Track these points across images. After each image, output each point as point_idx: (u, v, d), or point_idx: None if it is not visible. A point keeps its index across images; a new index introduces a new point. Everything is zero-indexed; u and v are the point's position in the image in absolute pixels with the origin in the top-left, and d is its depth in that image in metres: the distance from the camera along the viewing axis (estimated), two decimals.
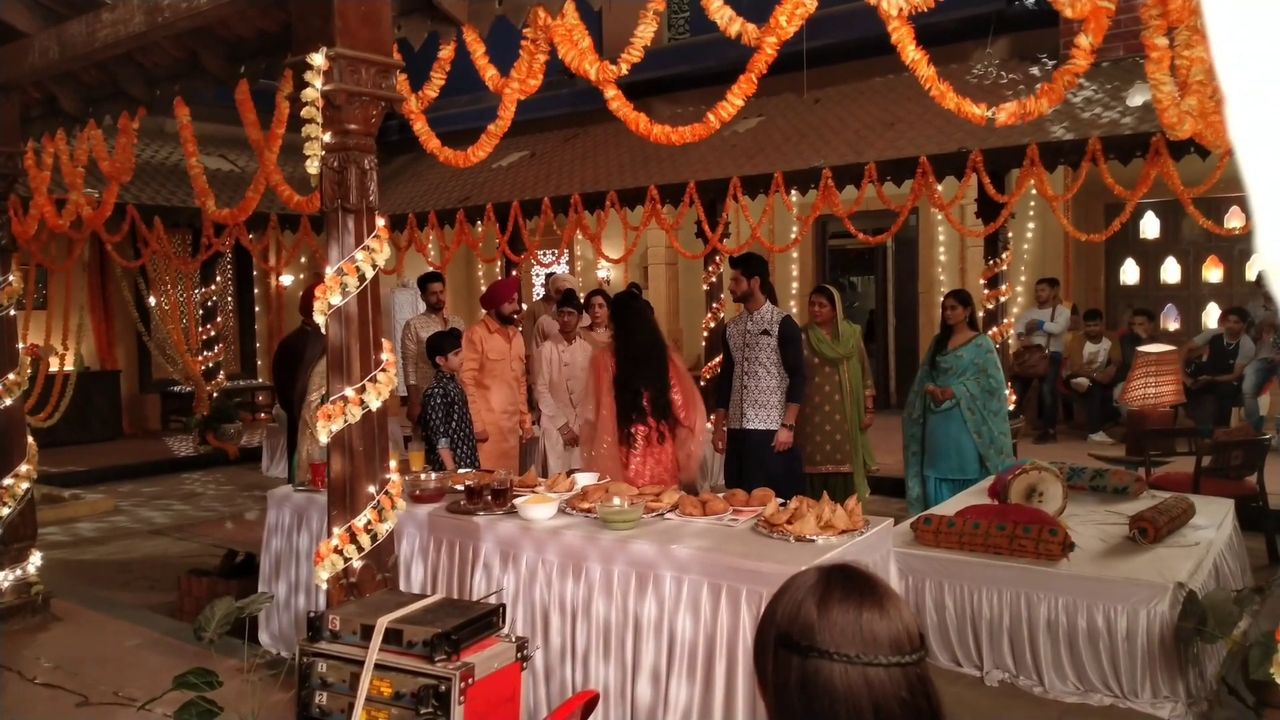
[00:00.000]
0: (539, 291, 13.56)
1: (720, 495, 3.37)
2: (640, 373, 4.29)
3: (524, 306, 10.10)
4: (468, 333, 5.44)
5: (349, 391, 2.75)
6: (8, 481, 4.33)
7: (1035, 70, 8.44)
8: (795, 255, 11.22)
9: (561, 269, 13.20)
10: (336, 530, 2.78)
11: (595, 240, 9.09)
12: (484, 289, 13.96)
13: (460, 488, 3.68)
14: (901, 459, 6.26)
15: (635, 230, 8.77)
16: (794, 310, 11.10)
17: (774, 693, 0.98)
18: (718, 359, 8.64)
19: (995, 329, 7.58)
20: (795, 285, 11.37)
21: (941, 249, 10.70)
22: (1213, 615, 3.02)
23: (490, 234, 10.09)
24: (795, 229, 10.48)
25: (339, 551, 2.75)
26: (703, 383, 8.75)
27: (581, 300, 6.36)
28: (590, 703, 1.87)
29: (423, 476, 3.80)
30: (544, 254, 13.59)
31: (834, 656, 0.94)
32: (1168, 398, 6.25)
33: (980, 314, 7.30)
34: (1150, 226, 9.78)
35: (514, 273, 9.89)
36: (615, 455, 4.32)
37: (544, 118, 11.65)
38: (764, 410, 4.83)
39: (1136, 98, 7.16)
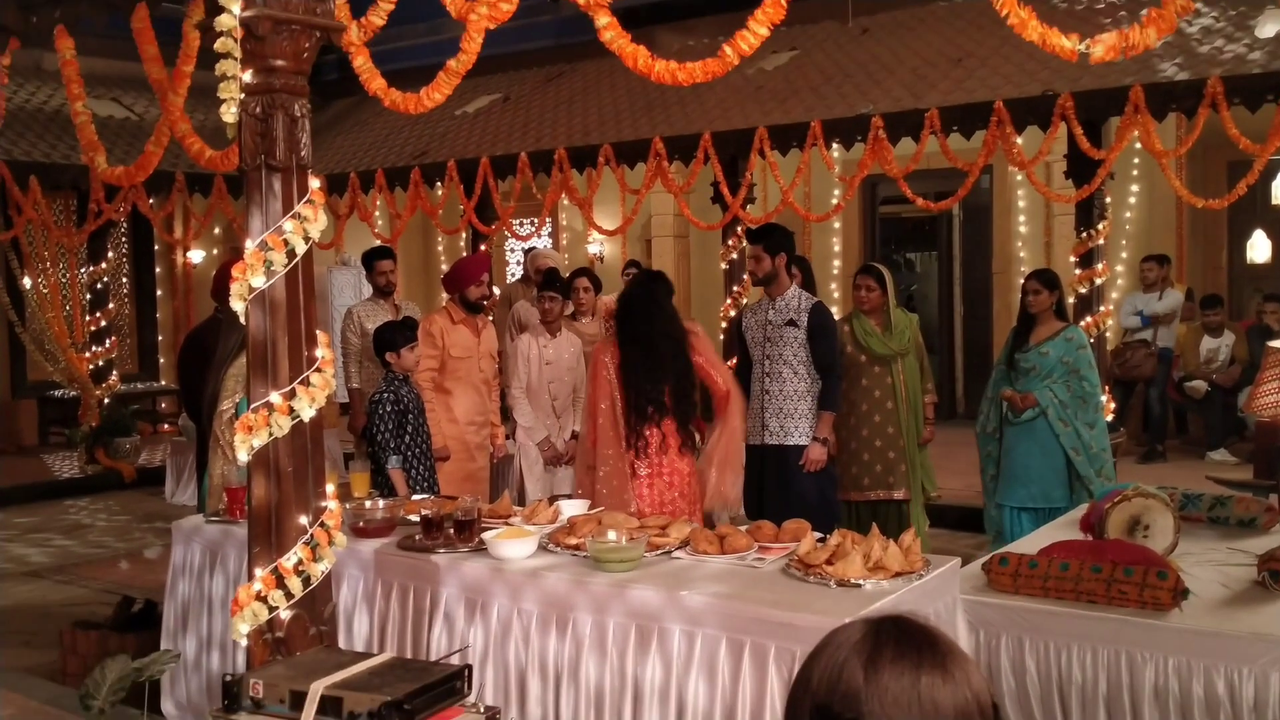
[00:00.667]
0: (514, 272, 13.62)
1: (742, 528, 3.38)
2: (656, 360, 4.33)
3: (496, 291, 10.18)
4: (425, 323, 5.46)
5: (275, 397, 2.76)
6: None
7: None
8: (837, 226, 11.25)
9: (543, 243, 13.21)
10: (259, 572, 2.79)
11: (585, 207, 9.11)
12: (445, 268, 14.01)
13: (415, 518, 3.69)
14: (970, 482, 6.27)
15: (635, 194, 8.79)
16: (835, 297, 11.14)
17: None
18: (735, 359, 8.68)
19: (1089, 319, 7.60)
20: (837, 264, 11.41)
21: (1022, 218, 10.73)
22: None
23: (453, 199, 10.11)
24: (837, 193, 10.49)
25: (263, 599, 2.76)
26: None
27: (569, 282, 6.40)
28: None
29: (368, 504, 3.81)
30: (520, 224, 13.60)
31: None
32: None
33: (1070, 300, 7.32)
34: None
35: (483, 248, 9.91)
36: (622, 474, 4.33)
37: (520, 52, 11.67)
38: (790, 421, 4.87)
39: (1268, 27, 7.16)
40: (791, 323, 4.89)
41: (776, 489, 4.85)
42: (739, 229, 8.70)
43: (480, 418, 5.64)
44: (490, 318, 8.43)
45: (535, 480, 5.72)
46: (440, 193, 10.05)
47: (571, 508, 3.80)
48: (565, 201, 11.19)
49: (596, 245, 12.71)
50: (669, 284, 4.63)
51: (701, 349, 4.50)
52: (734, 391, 4.55)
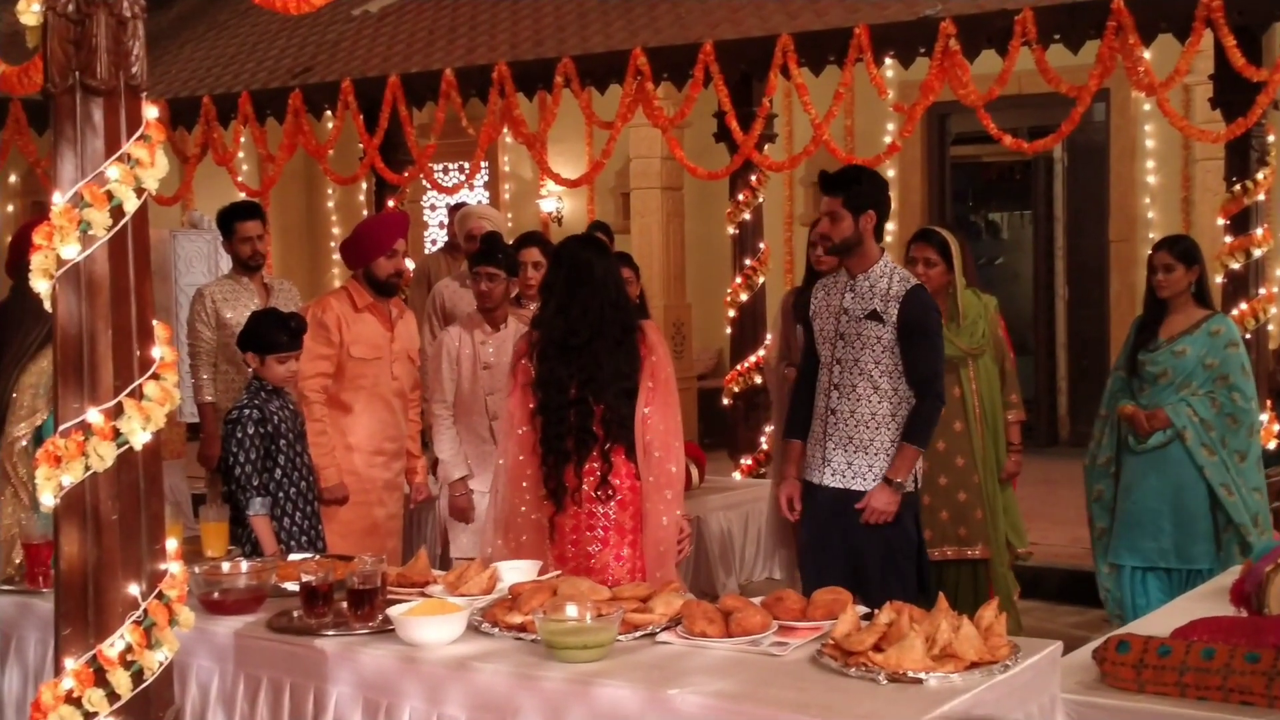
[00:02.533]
0: (436, 238, 13.61)
1: (756, 600, 3.39)
2: (581, 362, 4.28)
3: (410, 265, 10.16)
4: (316, 310, 5.47)
5: (93, 415, 2.75)
6: None
7: None
8: (891, 174, 11.30)
9: (477, 198, 13.21)
10: (71, 663, 2.78)
11: (536, 146, 9.11)
12: (338, 233, 13.90)
13: (293, 587, 3.68)
14: (1077, 535, 6.29)
15: (607, 129, 8.80)
16: None
17: None
18: (754, 358, 8.72)
19: (1243, 306, 7.62)
20: (891, 226, 11.32)
21: (1150, 164, 10.82)
22: None
23: (349, 135, 10.10)
24: (891, 128, 10.56)
25: (76, 701, 2.74)
26: (727, 400, 8.79)
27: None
28: None
29: (226, 567, 3.80)
30: (445, 171, 13.62)
31: None
32: None
33: (1218, 280, 7.34)
34: None
35: (392, 204, 9.89)
36: (537, 527, 4.33)
37: None
38: (861, 456, 4.76)
39: None
40: (875, 315, 4.77)
41: (827, 542, 4.77)
42: (754, 178, 8.71)
43: (391, 444, 5.63)
44: (406, 300, 8.42)
45: (466, 534, 5.72)
46: (330, 126, 10.03)
47: (515, 572, 3.80)
48: (509, 139, 11.16)
49: (552, 201, 12.73)
50: (606, 243, 4.60)
51: (650, 354, 4.34)
52: (673, 435, 4.35)
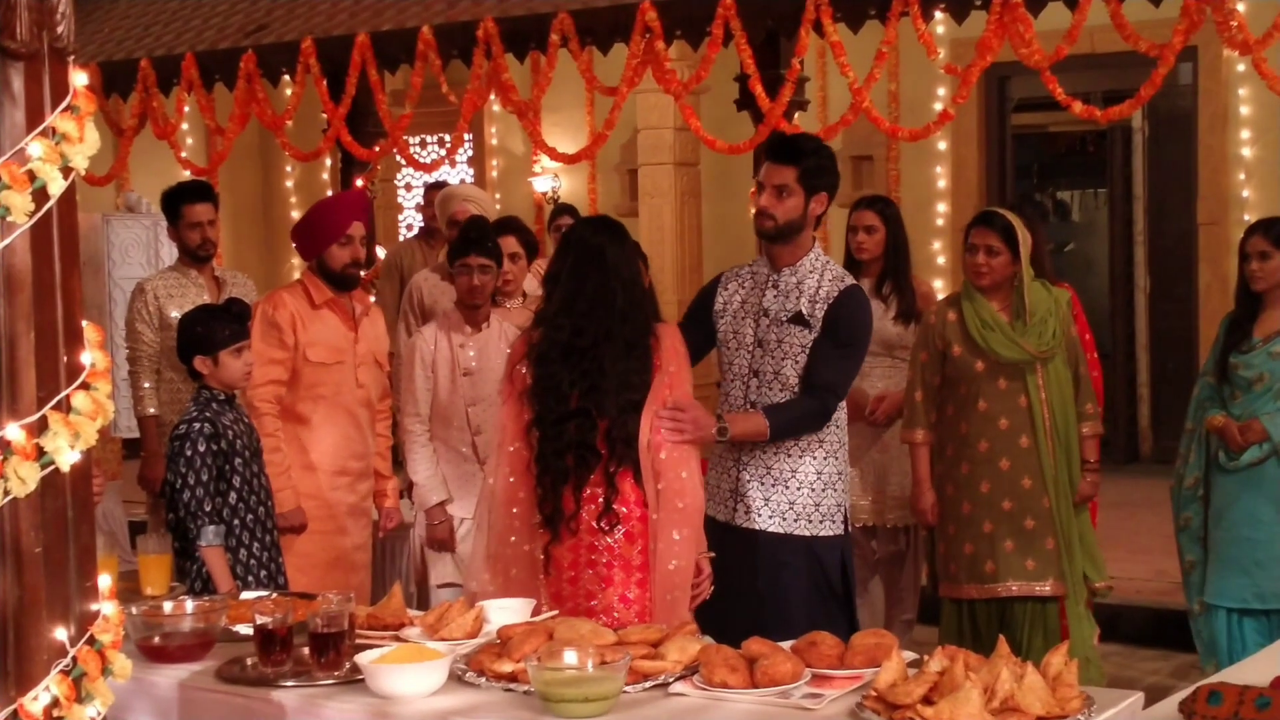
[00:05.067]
0: (412, 221, 13.60)
1: (785, 645, 3.38)
2: (585, 367, 4.28)
3: (381, 253, 10.16)
4: (265, 307, 5.49)
5: (13, 431, 2.75)
6: None
7: None
8: (942, 147, 11.31)
9: (460, 177, 13.20)
10: None
11: (529, 116, 9.12)
12: (298, 216, 13.91)
13: (247, 630, 3.68)
14: (1162, 567, 6.26)
15: (611, 95, 8.80)
16: (939, 264, 11.21)
17: None
18: None
19: None
20: (942, 210, 11.51)
21: (1245, 134, 10.80)
22: None
23: (310, 103, 10.10)
24: (943, 93, 10.54)
25: None
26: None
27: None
28: None
29: (169, 607, 3.80)
30: (422, 145, 13.62)
31: None
32: None
33: None
34: None
35: (360, 183, 9.91)
36: (529, 560, 4.33)
37: None
38: (779, 490, 4.71)
39: None
40: (800, 318, 4.73)
41: (749, 599, 4.66)
42: None
43: (357, 463, 5.65)
44: (374, 296, 8.41)
45: (447, 567, 5.73)
46: (290, 93, 10.02)
47: (504, 613, 3.79)
48: (496, 107, 11.17)
49: (547, 180, 12.72)
50: (623, 227, 4.53)
51: (670, 377, 4.30)
52: (695, 493, 4.30)
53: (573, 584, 4.29)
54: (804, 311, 4.72)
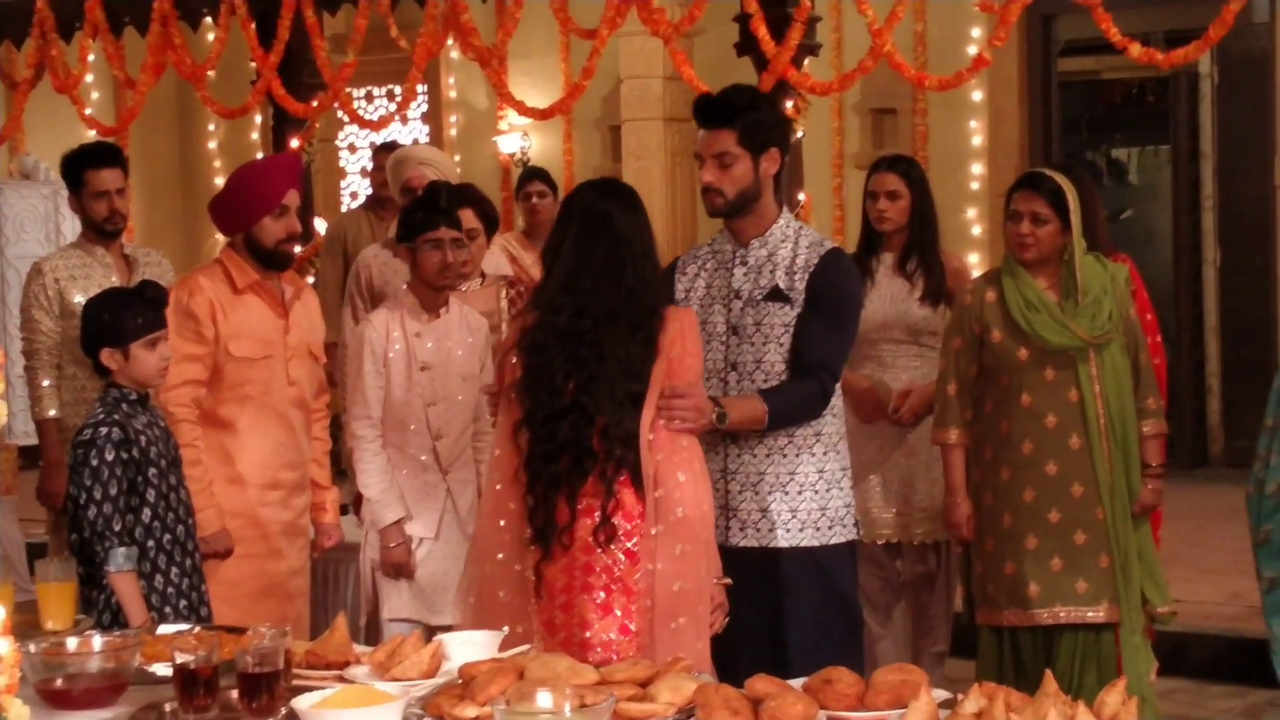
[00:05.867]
0: (358, 190, 13.55)
1: (796, 683, 3.40)
2: (582, 355, 4.30)
3: (320, 227, 10.10)
4: (179, 294, 5.47)
5: None
6: None
7: None
8: (978, 98, 11.31)
9: (415, 136, 13.16)
10: None
11: (493, 63, 9.11)
12: (221, 184, 13.82)
13: (164, 669, 3.68)
14: (1237, 589, 6.27)
15: (590, 39, 8.78)
16: (975, 234, 11.22)
17: None
18: None
19: None
20: (978, 171, 11.51)
21: None
22: None
23: (236, 49, 10.09)
24: (977, 35, 10.52)
25: None
26: None
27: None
28: None
29: (73, 644, 3.77)
30: (369, 99, 13.57)
31: None
32: None
33: None
34: None
35: (295, 143, 9.89)
36: (519, 582, 4.35)
37: None
38: (778, 497, 4.72)
39: None
40: (779, 294, 4.77)
41: (753, 625, 4.66)
42: (790, 104, 8.70)
43: (291, 474, 5.65)
44: (313, 278, 8.38)
45: (403, 597, 5.75)
46: (212, 39, 9.99)
47: (467, 648, 3.76)
48: (455, 53, 11.14)
49: (515, 139, 12.68)
50: (634, 192, 4.55)
51: (678, 362, 4.31)
52: (696, 501, 4.30)
53: (566, 610, 4.30)
54: (781, 285, 4.74)
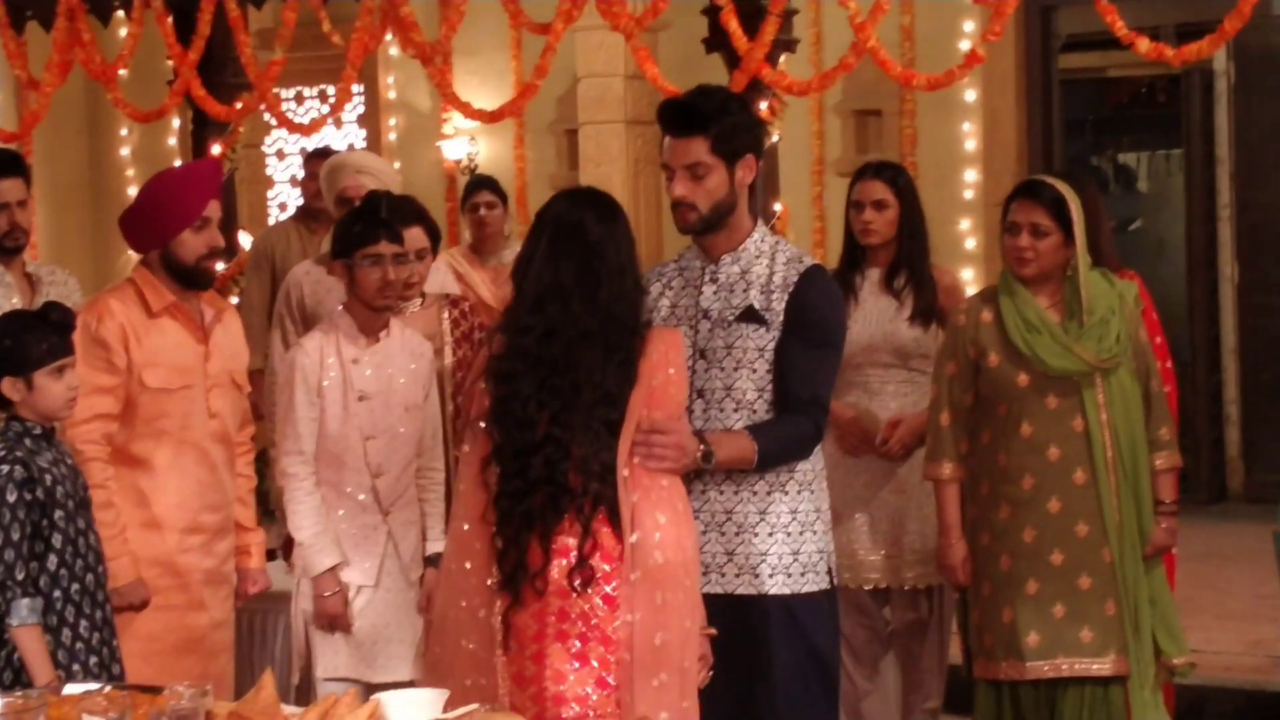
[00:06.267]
0: (287, 201, 13.53)
1: None
2: (556, 381, 4.28)
3: (245, 241, 10.07)
4: (86, 319, 5.42)
5: None
6: None
7: None
8: (971, 99, 11.33)
9: (350, 141, 13.15)
10: None
11: (436, 61, 9.09)
12: (134, 194, 13.79)
13: None
14: (1260, 637, 6.27)
15: (544, 34, 8.78)
16: (968, 248, 11.24)
17: None
18: None
19: None
20: (972, 175, 11.53)
21: None
22: None
23: (151, 46, 10.09)
24: (970, 28, 10.54)
25: None
26: None
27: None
28: None
29: None
30: (299, 100, 13.54)
31: None
32: None
33: None
34: None
35: (216, 149, 9.84)
36: (486, 631, 4.33)
37: None
38: (746, 539, 4.73)
39: None
40: (753, 314, 4.76)
41: (720, 681, 4.61)
42: (764, 105, 8.70)
43: (213, 516, 5.62)
44: (237, 298, 8.33)
45: (340, 653, 5.72)
46: (125, 35, 9.97)
47: (410, 708, 3.77)
48: (394, 50, 11.11)
49: (462, 143, 12.68)
50: (615, 203, 4.52)
51: (660, 390, 4.30)
52: (678, 544, 4.27)
53: (538, 660, 4.27)
54: (756, 305, 4.73)
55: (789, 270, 4.76)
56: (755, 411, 4.72)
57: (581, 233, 4.33)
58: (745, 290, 4.76)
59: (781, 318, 4.72)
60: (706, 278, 4.84)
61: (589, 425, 4.23)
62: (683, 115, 4.79)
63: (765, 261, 4.79)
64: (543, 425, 4.25)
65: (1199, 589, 7.99)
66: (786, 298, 4.72)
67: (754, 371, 4.72)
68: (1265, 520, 5.69)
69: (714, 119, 4.71)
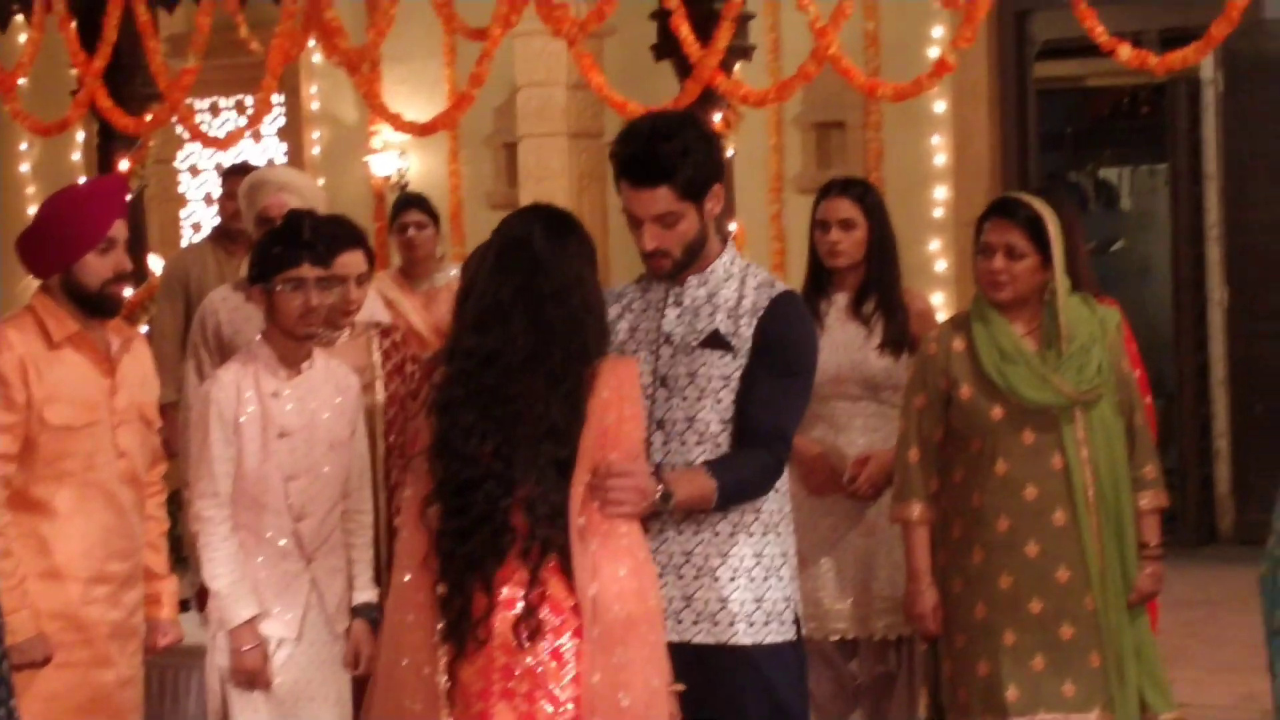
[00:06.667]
0: (202, 221, 13.49)
1: None
2: (498, 412, 4.29)
3: (155, 266, 10.04)
4: None
5: None
6: None
7: None
8: (941, 107, 11.37)
9: (270, 156, 13.14)
10: None
11: (363, 69, 9.09)
12: (33, 213, 13.77)
13: None
14: (1252, 688, 6.29)
15: (480, 39, 8.78)
16: (937, 270, 11.32)
17: None
18: None
19: None
20: (942, 192, 11.60)
21: None
22: None
23: (53, 53, 10.05)
24: (939, 34, 10.59)
25: None
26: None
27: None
28: None
29: None
30: (214, 111, 13.49)
31: None
32: None
33: None
34: None
35: (125, 165, 9.82)
36: (428, 689, 4.33)
37: None
38: (706, 584, 4.73)
39: None
40: (718, 340, 4.76)
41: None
42: (718, 117, 8.73)
43: (121, 565, 5.58)
44: (145, 329, 8.31)
45: (256, 709, 5.69)
46: (24, 40, 9.94)
47: None
48: (317, 57, 11.12)
49: (391, 158, 12.66)
50: (570, 219, 4.54)
51: (615, 428, 4.30)
52: (641, 596, 4.29)
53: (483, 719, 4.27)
54: (722, 330, 4.72)
55: (759, 295, 4.76)
56: (719, 444, 4.71)
57: (528, 248, 4.33)
58: (711, 314, 4.75)
59: (749, 344, 4.71)
60: (670, 300, 4.82)
61: (534, 461, 4.23)
62: (644, 166, 4.72)
63: (734, 285, 4.79)
64: (484, 459, 4.24)
65: (1187, 638, 8.02)
66: (755, 323, 4.72)
67: (718, 401, 4.71)
68: (1258, 563, 5.69)
69: (678, 164, 4.67)
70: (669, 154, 4.68)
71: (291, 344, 5.68)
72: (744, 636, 4.72)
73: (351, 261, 5.98)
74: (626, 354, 4.81)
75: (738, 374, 4.71)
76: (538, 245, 4.33)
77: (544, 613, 4.22)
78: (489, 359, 4.25)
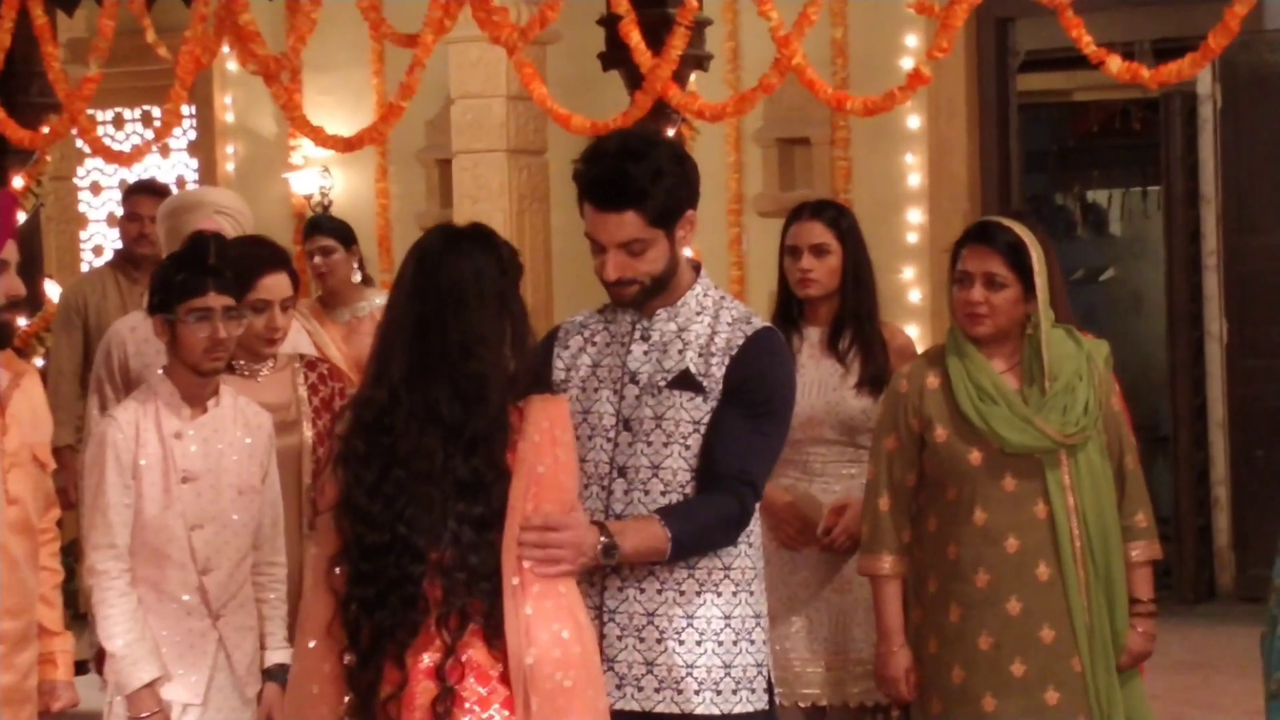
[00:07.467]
0: (104, 244, 13.46)
1: None
2: (392, 471, 4.26)
3: (52, 293, 10.00)
4: None
5: None
6: None
7: None
8: (916, 123, 11.41)
9: (180, 173, 13.12)
10: None
11: (283, 78, 9.09)
12: None
13: None
14: None
15: (411, 46, 8.80)
16: (913, 301, 11.35)
17: None
18: None
19: None
20: (916, 216, 11.65)
21: None
22: None
23: None
24: (914, 44, 10.62)
25: None
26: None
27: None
28: None
29: None
30: (118, 123, 13.47)
31: None
32: None
33: None
34: None
35: (19, 182, 9.79)
36: None
37: None
38: (669, 646, 4.73)
39: None
40: (688, 380, 4.74)
41: None
42: (670, 132, 8.72)
43: (14, 624, 5.49)
44: (41, 362, 8.28)
45: None
46: None
47: None
48: (232, 64, 11.10)
49: (313, 175, 12.66)
50: (490, 235, 4.46)
51: (549, 478, 4.27)
52: (584, 662, 4.27)
53: None
54: (693, 369, 4.71)
55: (734, 332, 4.74)
56: (687, 495, 4.68)
57: (434, 273, 4.29)
58: (681, 351, 4.73)
59: (721, 386, 4.69)
60: (637, 335, 4.80)
61: (443, 524, 4.20)
62: (611, 189, 4.69)
63: (707, 320, 4.77)
64: (390, 522, 4.22)
65: (1184, 704, 8.04)
66: (728, 362, 4.70)
67: (686, 448, 4.68)
68: (1259, 622, 5.68)
69: (648, 188, 4.64)
70: (638, 176, 4.65)
71: (195, 380, 5.64)
72: (710, 706, 4.70)
73: (275, 285, 5.94)
74: (588, 392, 4.81)
75: (707, 419, 4.70)
76: (446, 270, 4.28)
77: (464, 688, 4.19)
78: (391, 403, 4.23)
